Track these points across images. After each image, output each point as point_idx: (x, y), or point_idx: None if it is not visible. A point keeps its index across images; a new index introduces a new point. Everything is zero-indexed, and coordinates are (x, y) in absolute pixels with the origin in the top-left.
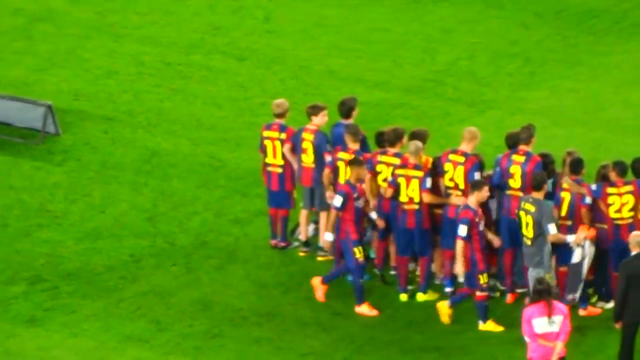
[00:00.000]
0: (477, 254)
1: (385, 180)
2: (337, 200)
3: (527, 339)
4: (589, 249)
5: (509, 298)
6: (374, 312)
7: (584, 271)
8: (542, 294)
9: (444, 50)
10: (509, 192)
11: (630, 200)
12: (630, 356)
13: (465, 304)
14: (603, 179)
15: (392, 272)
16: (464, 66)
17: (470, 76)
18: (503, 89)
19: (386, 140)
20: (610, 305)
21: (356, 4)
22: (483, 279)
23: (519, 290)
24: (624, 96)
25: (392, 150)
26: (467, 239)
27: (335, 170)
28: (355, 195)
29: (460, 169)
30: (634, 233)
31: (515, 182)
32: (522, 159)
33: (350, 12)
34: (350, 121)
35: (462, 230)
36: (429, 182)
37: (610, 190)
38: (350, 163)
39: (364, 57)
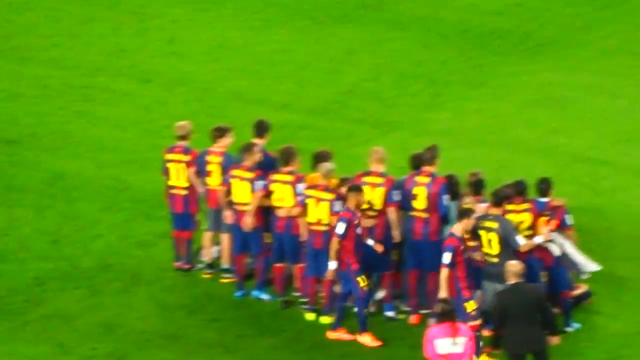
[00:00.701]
0: (462, 282)
1: (279, 199)
2: (340, 228)
3: (429, 359)
4: (559, 237)
5: (413, 319)
6: (376, 343)
7: (577, 255)
8: (447, 315)
9: (348, 71)
10: (413, 213)
11: (526, 218)
12: None
13: (356, 325)
14: (505, 199)
15: (296, 294)
16: (368, 87)
17: (374, 97)
18: (407, 110)
19: (280, 158)
20: None
21: (259, 25)
22: (469, 307)
23: (423, 311)
24: (528, 116)
25: (285, 169)
26: (452, 266)
27: (230, 188)
28: (356, 222)
29: (380, 190)
30: (510, 262)
31: (419, 204)
32: (426, 180)
33: (254, 33)
34: (262, 141)
35: (447, 257)
36: (338, 206)
37: (508, 207)
38: (349, 189)
39: (268, 78)
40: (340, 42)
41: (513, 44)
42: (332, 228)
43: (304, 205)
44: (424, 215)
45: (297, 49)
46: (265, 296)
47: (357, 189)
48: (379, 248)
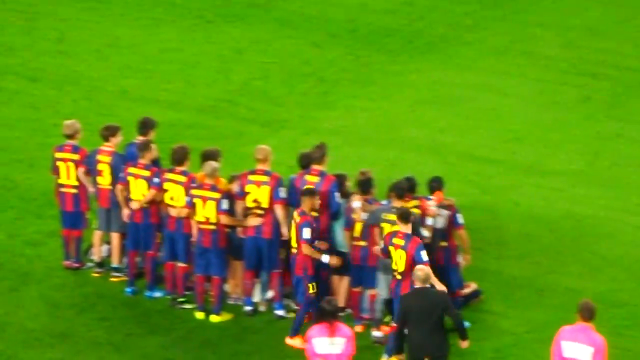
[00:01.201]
0: (308, 262)
1: (172, 198)
2: (307, 233)
3: (309, 359)
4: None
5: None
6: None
7: None
8: (326, 315)
9: (237, 70)
10: None
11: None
12: None
13: (245, 323)
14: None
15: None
16: (257, 86)
17: (263, 96)
18: (296, 109)
19: (173, 158)
20: None
21: (148, 24)
22: (311, 289)
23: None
24: (417, 115)
25: (178, 169)
26: (312, 242)
27: (127, 186)
28: (314, 226)
29: (265, 188)
30: (418, 267)
31: None
32: (316, 179)
33: (143, 32)
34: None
35: (307, 233)
36: (225, 204)
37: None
38: (303, 193)
39: (156, 77)
40: (229, 41)
41: (402, 42)
42: (221, 226)
43: (192, 206)
44: (313, 213)
45: (186, 48)
46: (157, 294)
47: (310, 192)
48: (334, 261)
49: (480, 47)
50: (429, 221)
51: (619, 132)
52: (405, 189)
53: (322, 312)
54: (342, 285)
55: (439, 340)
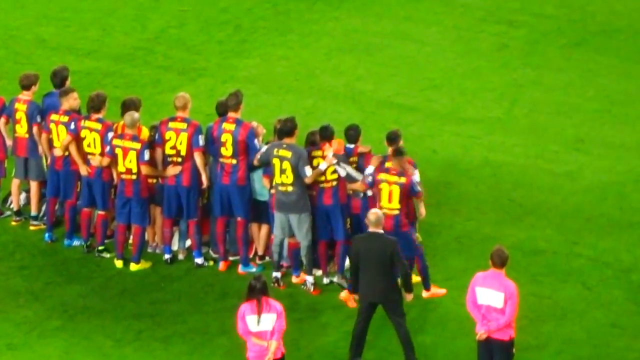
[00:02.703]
0: None
1: (89, 145)
2: (309, 170)
3: (243, 337)
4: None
5: (222, 266)
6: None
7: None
8: (254, 292)
9: (153, 18)
10: (221, 159)
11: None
12: (363, 333)
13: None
14: (312, 144)
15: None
16: (174, 34)
17: (180, 44)
18: (214, 57)
19: (90, 105)
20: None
21: None
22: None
23: (232, 258)
24: (334, 63)
25: (95, 116)
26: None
27: (50, 134)
28: None
29: (184, 135)
30: (372, 210)
31: (227, 150)
32: (232, 126)
33: None
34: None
35: (201, 140)
36: (147, 155)
37: (315, 153)
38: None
39: (73, 25)
40: None
41: None
42: (143, 176)
43: (113, 156)
44: (232, 161)
45: None
46: (76, 242)
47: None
48: None
49: None
50: (322, 165)
51: (536, 80)
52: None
53: (250, 289)
54: (262, 233)
55: (389, 286)
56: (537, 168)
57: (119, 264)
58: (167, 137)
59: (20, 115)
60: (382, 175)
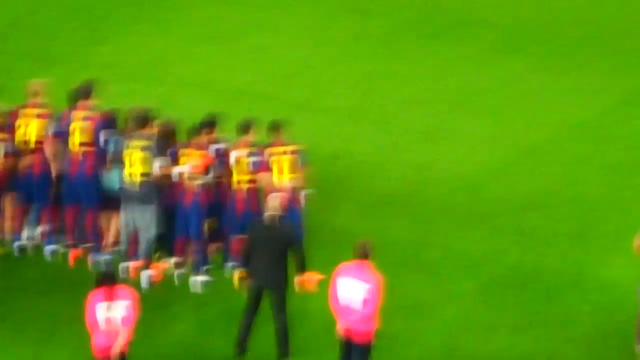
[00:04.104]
0: None
1: None
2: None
3: (91, 325)
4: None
5: (72, 254)
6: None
7: None
8: (104, 279)
9: (6, 4)
10: (70, 148)
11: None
12: (252, 316)
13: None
14: (164, 135)
15: None
16: (28, 21)
17: (34, 31)
18: (68, 44)
19: None
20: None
21: None
22: None
23: (83, 246)
24: (190, 52)
25: None
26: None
27: None
28: None
29: (34, 123)
30: (271, 195)
31: (76, 139)
32: (82, 115)
33: None
34: None
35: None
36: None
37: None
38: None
39: None
40: None
41: None
42: None
43: None
44: (80, 150)
45: None
46: None
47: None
48: None
49: None
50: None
51: (389, 71)
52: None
53: (100, 276)
54: (112, 223)
55: (279, 274)
56: (388, 158)
57: None
58: (18, 124)
59: None
60: (267, 150)
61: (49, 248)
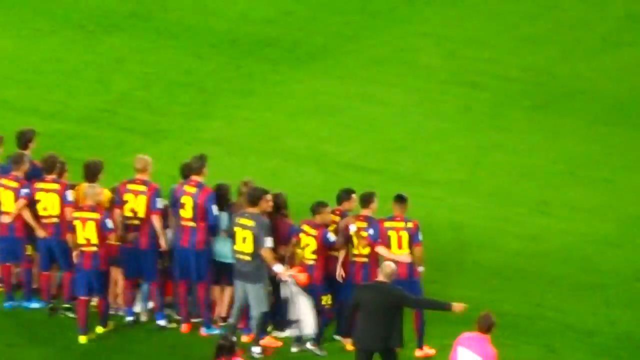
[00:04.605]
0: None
1: (45, 209)
2: (333, 237)
3: None
4: (294, 290)
5: (184, 328)
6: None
7: (305, 312)
8: (222, 351)
9: (117, 79)
10: (181, 222)
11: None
12: None
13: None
14: (276, 207)
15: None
16: (137, 96)
17: (144, 106)
18: (177, 119)
19: (43, 167)
20: (285, 334)
21: (28, 34)
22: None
23: (194, 320)
24: (298, 125)
25: (49, 177)
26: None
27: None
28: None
29: (142, 198)
30: (385, 263)
31: (187, 213)
32: (193, 189)
33: (24, 42)
34: (27, 152)
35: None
36: (110, 223)
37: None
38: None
39: (37, 87)
40: (109, 50)
41: (282, 52)
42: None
43: (72, 230)
44: (191, 224)
45: (66, 58)
46: (35, 304)
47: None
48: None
49: (361, 57)
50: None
51: (499, 142)
52: (257, 196)
53: (219, 348)
54: (225, 295)
55: (385, 335)
56: (500, 230)
57: (82, 339)
58: (125, 199)
59: None
60: (387, 224)
61: (160, 321)
